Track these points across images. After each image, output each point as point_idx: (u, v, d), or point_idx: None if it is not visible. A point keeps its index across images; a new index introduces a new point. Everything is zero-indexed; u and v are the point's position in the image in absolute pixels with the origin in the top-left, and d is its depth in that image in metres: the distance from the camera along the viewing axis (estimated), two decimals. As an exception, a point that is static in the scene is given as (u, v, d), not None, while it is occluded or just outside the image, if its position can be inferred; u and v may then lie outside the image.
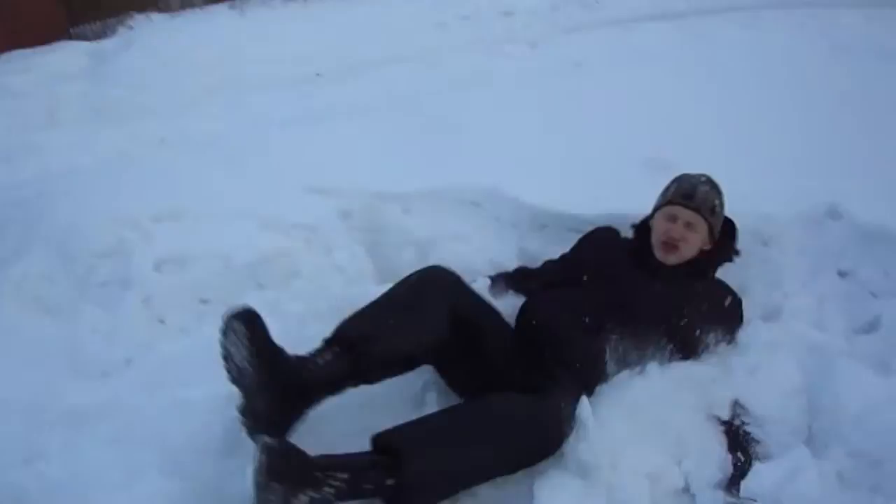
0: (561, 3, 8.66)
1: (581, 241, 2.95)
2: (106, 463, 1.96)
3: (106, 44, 8.44)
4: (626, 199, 3.21)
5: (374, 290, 2.74)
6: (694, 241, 2.71)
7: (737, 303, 2.78)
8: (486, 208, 3.41)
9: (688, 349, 2.61)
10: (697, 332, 2.61)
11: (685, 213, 2.70)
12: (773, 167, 3.62)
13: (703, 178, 2.80)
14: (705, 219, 2.72)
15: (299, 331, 2.49)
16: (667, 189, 2.86)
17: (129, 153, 4.82)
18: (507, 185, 3.41)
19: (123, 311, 2.79)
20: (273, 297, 2.67)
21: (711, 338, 2.64)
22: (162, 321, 2.80)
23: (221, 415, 2.14)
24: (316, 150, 4.12)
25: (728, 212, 3.15)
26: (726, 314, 2.73)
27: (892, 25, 6.81)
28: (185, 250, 3.00)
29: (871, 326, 2.90)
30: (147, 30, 8.93)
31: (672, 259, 2.70)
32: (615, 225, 3.00)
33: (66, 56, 8.08)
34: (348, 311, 2.58)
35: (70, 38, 9.57)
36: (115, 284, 2.91)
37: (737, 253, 2.87)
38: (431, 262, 3.01)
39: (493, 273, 2.95)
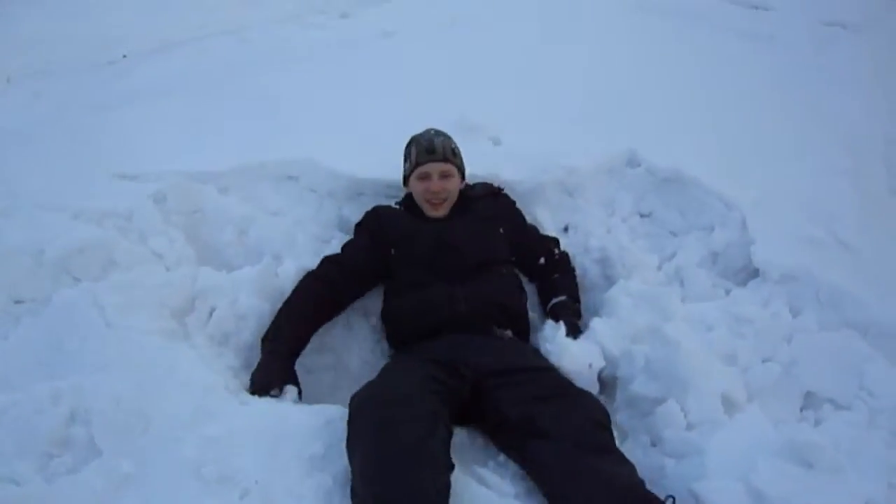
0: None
1: (365, 225, 3.06)
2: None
3: None
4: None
5: (199, 274, 2.75)
6: (453, 186, 3.04)
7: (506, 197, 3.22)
8: (302, 181, 3.43)
9: (526, 255, 3.08)
10: (517, 238, 3.06)
11: (435, 167, 2.99)
12: (575, 123, 3.83)
13: (432, 131, 3.11)
14: (452, 162, 3.03)
15: (120, 322, 2.46)
16: (408, 153, 3.13)
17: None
18: (321, 157, 3.43)
19: (-70, 319, 2.65)
20: (89, 289, 2.59)
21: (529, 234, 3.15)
22: (-27, 327, 2.67)
23: (47, 414, 2.11)
24: (125, 135, 4.00)
25: (532, 167, 3.35)
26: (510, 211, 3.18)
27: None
28: (-9, 250, 2.86)
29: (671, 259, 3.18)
30: (-69, 15, 8.28)
31: (442, 211, 3.02)
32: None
33: None
34: (172, 298, 2.60)
35: None
36: (-81, 293, 2.75)
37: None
38: (251, 240, 3.07)
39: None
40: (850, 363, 2.53)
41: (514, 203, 3.21)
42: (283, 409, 2.26)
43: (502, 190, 3.23)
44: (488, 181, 3.28)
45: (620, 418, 2.49)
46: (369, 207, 3.14)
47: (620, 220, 3.38)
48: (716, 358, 2.52)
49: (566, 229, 3.36)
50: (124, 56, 6.77)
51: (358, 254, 2.94)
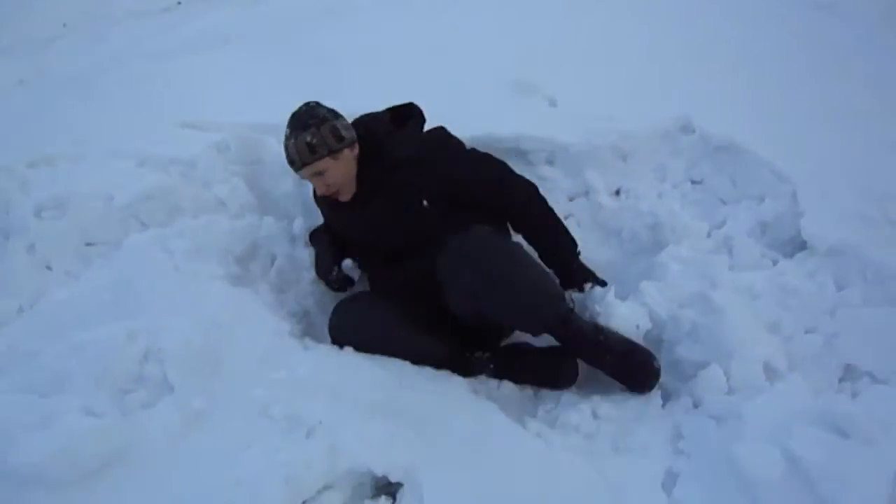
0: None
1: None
2: (20, 407, 2.02)
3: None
4: (495, 121, 3.37)
5: (261, 223, 2.87)
6: (335, 175, 2.71)
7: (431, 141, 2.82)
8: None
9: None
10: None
11: (305, 173, 2.71)
12: (632, 87, 3.84)
13: (287, 133, 2.71)
14: (318, 159, 2.67)
15: (188, 266, 2.59)
16: None
17: (-15, 99, 4.65)
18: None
19: (8, 260, 2.80)
20: (158, 234, 2.72)
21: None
22: (49, 267, 2.83)
23: (122, 351, 2.23)
24: (184, 83, 4.11)
25: (587, 130, 3.38)
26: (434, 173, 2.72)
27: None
28: (63, 194, 3.00)
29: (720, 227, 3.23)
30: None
31: (345, 195, 2.77)
32: (486, 147, 3.06)
33: None
34: (237, 246, 2.72)
35: None
36: (-4, 234, 2.91)
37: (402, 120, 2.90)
38: (309, 191, 3.16)
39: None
40: (891, 339, 2.55)
41: (439, 158, 2.75)
42: (344, 357, 2.38)
43: (425, 144, 2.80)
44: (543, 140, 3.26)
45: (664, 379, 2.56)
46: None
47: (672, 185, 3.41)
48: (760, 326, 2.58)
49: (618, 192, 3.40)
50: (179, 3, 6.88)
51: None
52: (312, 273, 2.93)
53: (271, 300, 2.65)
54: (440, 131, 2.85)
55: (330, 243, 2.93)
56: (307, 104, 2.77)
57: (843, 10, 4.76)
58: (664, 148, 3.55)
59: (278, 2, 5.68)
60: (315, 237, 3.00)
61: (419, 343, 2.57)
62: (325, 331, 2.60)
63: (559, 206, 3.17)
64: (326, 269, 2.83)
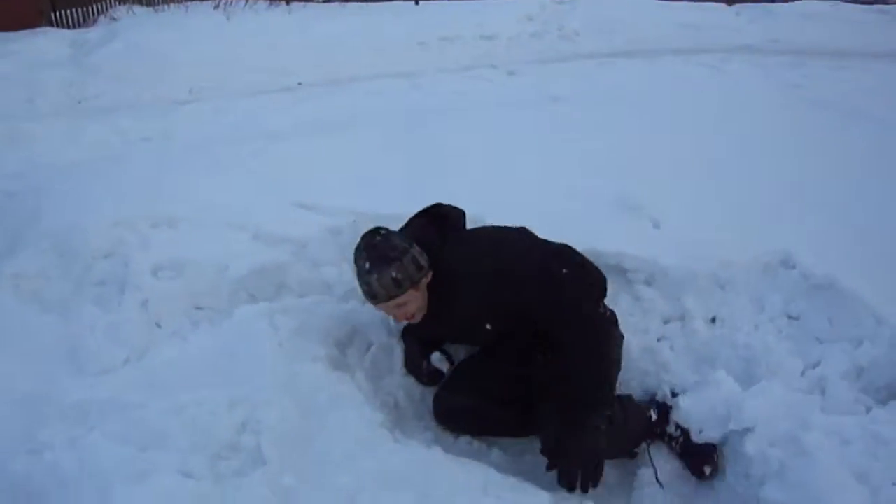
0: (542, 31, 8.91)
1: None
2: (118, 459, 2.10)
3: (88, 33, 8.46)
4: (598, 237, 3.39)
5: (363, 310, 2.94)
6: (414, 304, 2.63)
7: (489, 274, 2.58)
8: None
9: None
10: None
11: (387, 307, 2.62)
12: (734, 214, 3.85)
13: (366, 267, 2.56)
14: (401, 293, 2.57)
15: (291, 344, 2.68)
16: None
17: (114, 150, 4.93)
18: (484, 215, 3.56)
19: (121, 312, 2.93)
20: (266, 308, 2.82)
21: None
22: (158, 325, 2.94)
23: (222, 418, 2.30)
24: (301, 164, 4.29)
25: (688, 255, 3.39)
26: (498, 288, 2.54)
27: (857, 76, 7.14)
28: (181, 257, 3.16)
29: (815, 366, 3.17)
30: (130, 22, 9.00)
31: (419, 318, 2.69)
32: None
33: (48, 43, 8.10)
34: (338, 329, 2.80)
35: (51, 24, 9.58)
36: (113, 285, 3.06)
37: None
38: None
39: None
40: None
41: (496, 289, 2.54)
42: (433, 455, 2.40)
43: (479, 268, 2.61)
44: (645, 260, 3.28)
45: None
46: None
47: (768, 319, 3.39)
48: (848, 474, 2.52)
49: (713, 320, 3.39)
50: (299, 83, 7.21)
51: None
52: (402, 366, 2.99)
53: (366, 388, 2.70)
54: (489, 246, 2.70)
55: (418, 337, 2.98)
56: (379, 234, 2.64)
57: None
58: (763, 280, 3.53)
59: (395, 94, 5.91)
60: (406, 331, 3.04)
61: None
62: (414, 424, 2.64)
63: (653, 327, 3.17)
64: (416, 363, 2.92)
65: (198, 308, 3.03)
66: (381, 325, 3.04)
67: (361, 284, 2.60)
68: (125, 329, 2.87)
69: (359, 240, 2.66)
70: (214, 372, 2.56)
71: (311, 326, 2.78)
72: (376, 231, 2.65)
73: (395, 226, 3.55)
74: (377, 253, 2.56)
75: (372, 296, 2.58)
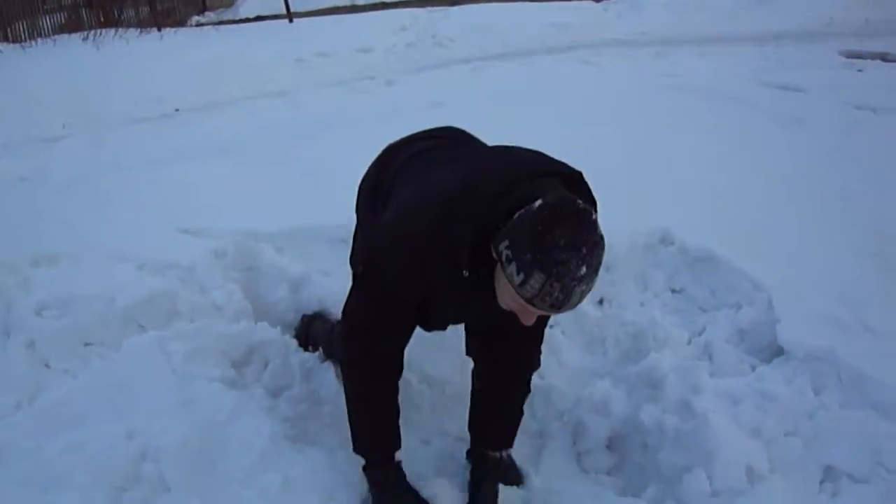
0: (417, 41, 9.01)
1: None
2: (20, 501, 2.07)
3: (-47, 73, 8.13)
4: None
5: (255, 329, 2.95)
6: None
7: None
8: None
9: None
10: None
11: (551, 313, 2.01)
12: (611, 198, 3.98)
13: (581, 273, 1.80)
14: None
15: (185, 369, 2.66)
16: (530, 277, 1.81)
17: (-11, 192, 4.76)
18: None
19: (7, 356, 2.86)
20: (157, 337, 2.79)
21: None
22: (47, 365, 2.88)
23: (120, 450, 2.28)
24: (183, 189, 4.25)
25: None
26: None
27: (721, 60, 7.47)
28: (65, 294, 3.09)
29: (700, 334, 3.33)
30: (-3, 59, 8.68)
31: None
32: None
33: None
34: (232, 349, 2.79)
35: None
36: (-3, 330, 2.97)
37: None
38: (304, 297, 3.24)
39: None
40: (869, 441, 2.61)
41: None
42: (338, 460, 2.43)
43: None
44: None
45: (650, 490, 2.61)
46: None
47: (653, 295, 3.54)
48: (741, 431, 2.65)
49: (601, 302, 3.52)
50: (177, 110, 7.10)
51: None
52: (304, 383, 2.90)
53: (266, 404, 2.70)
54: None
55: (393, 403, 2.36)
56: (598, 233, 1.86)
57: (812, 125, 4.99)
58: (645, 259, 3.68)
59: (273, 113, 5.89)
60: (370, 383, 2.33)
61: None
62: (318, 434, 2.65)
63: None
64: (385, 452, 2.36)
65: (87, 344, 2.96)
66: (277, 342, 3.03)
67: (563, 292, 1.81)
68: (13, 373, 2.79)
69: (565, 220, 1.81)
70: (109, 406, 2.52)
71: (204, 349, 2.76)
72: (592, 214, 1.87)
73: (283, 241, 3.58)
74: (598, 259, 1.85)
75: (559, 306, 1.84)
